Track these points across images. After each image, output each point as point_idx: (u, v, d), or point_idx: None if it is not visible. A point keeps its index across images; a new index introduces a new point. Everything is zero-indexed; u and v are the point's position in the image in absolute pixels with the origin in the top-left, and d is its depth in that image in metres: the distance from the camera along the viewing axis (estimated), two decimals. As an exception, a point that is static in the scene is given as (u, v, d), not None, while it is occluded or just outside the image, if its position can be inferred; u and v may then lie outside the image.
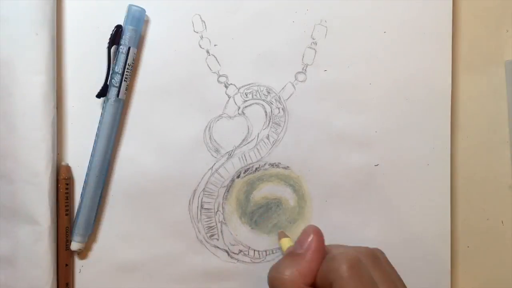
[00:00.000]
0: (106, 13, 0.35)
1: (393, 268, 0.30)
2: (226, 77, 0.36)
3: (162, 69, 0.35)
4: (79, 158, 0.35)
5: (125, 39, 0.34)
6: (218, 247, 0.36)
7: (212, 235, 0.36)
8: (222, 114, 0.36)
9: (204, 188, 0.36)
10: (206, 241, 0.36)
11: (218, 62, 0.36)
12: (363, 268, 0.27)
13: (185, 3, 0.35)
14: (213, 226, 0.36)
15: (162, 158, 0.36)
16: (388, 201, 0.37)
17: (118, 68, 0.34)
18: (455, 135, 0.38)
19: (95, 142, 0.34)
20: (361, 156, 0.37)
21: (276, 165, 0.36)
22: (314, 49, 0.36)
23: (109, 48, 0.34)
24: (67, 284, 0.35)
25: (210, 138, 0.36)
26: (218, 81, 0.36)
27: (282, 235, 0.35)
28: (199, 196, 0.36)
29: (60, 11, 0.35)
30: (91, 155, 0.35)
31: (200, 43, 0.36)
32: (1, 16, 0.33)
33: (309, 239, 0.30)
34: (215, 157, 0.36)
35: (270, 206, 0.36)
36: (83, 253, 0.35)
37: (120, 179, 0.36)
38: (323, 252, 0.29)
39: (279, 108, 0.36)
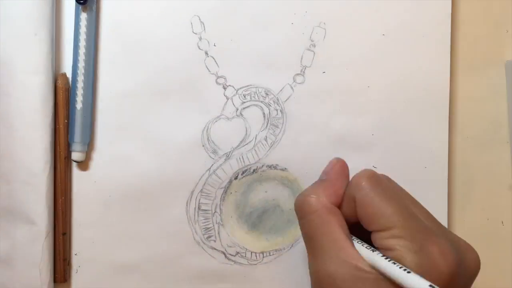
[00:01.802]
0: (104, 13, 0.35)
1: None
2: (225, 78, 0.36)
3: (161, 70, 0.35)
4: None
5: None
6: (215, 249, 0.36)
7: (209, 237, 0.36)
8: (220, 116, 0.36)
9: (201, 189, 0.36)
10: (203, 243, 0.36)
11: (216, 64, 0.36)
12: (381, 179, 0.28)
13: (184, 4, 0.35)
14: (210, 227, 0.36)
15: (160, 159, 0.36)
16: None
17: None
18: (455, 135, 0.38)
19: (76, 50, 0.34)
20: (359, 158, 0.37)
21: (274, 167, 0.36)
22: (313, 51, 0.36)
23: None
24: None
25: (208, 139, 0.36)
26: (217, 83, 0.36)
27: None
28: (196, 197, 0.36)
29: (59, 11, 0.35)
30: (74, 64, 0.34)
31: (199, 44, 0.36)
32: (0, 16, 0.33)
33: (333, 165, 0.30)
34: (213, 158, 0.36)
35: (268, 208, 0.36)
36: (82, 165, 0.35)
37: (118, 180, 0.36)
38: (346, 174, 0.30)
39: (277, 110, 0.36)
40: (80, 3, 0.34)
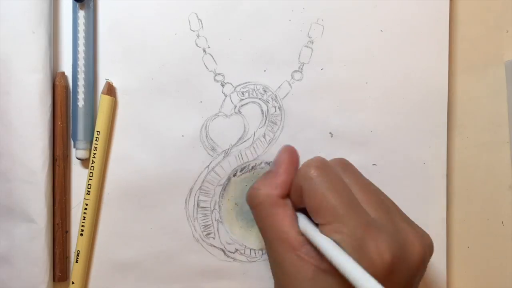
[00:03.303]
0: (101, 11, 0.35)
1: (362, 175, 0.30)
2: (223, 75, 0.36)
3: (159, 67, 0.36)
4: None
5: None
6: (214, 246, 0.36)
7: (208, 234, 0.36)
8: (218, 113, 0.36)
9: (200, 187, 0.36)
10: (202, 240, 0.36)
11: (214, 61, 0.36)
12: (331, 169, 0.28)
13: (182, 2, 0.35)
14: (210, 224, 0.36)
15: (159, 156, 0.36)
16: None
17: None
18: (455, 135, 0.38)
19: (76, 48, 0.34)
20: (357, 155, 0.37)
21: (272, 164, 0.36)
22: (311, 47, 0.36)
23: None
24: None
25: (206, 136, 0.36)
26: (215, 80, 0.36)
27: None
28: (195, 195, 0.36)
29: (57, 9, 0.35)
30: (74, 61, 0.34)
31: (197, 41, 0.36)
32: (-2, 15, 0.33)
33: (282, 154, 0.30)
34: (212, 156, 0.36)
35: (267, 205, 0.36)
36: (85, 162, 0.35)
37: (117, 178, 0.36)
38: (296, 165, 0.29)
39: (275, 107, 0.36)
40: (77, 1, 0.34)
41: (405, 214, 0.28)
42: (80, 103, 0.34)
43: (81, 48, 0.34)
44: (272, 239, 0.28)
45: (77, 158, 0.35)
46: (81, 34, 0.34)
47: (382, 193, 0.29)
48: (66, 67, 0.35)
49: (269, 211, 0.28)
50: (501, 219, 0.38)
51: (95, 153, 0.34)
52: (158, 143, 0.36)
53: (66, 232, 0.35)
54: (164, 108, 0.36)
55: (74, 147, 0.35)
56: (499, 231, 0.38)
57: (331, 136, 0.36)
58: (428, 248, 0.27)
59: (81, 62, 0.34)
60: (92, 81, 0.35)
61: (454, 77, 0.38)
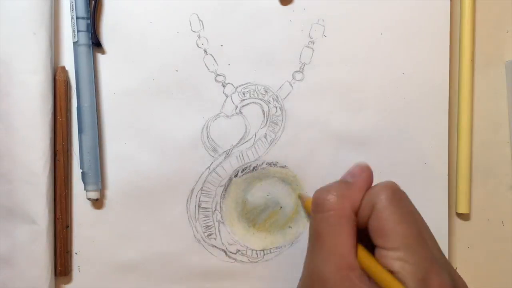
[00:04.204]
0: (102, 12, 0.35)
1: None
2: (224, 76, 0.36)
3: (160, 68, 0.36)
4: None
5: None
6: (215, 247, 0.36)
7: (210, 235, 0.36)
8: (219, 113, 0.36)
9: (201, 187, 0.36)
10: (204, 241, 0.36)
11: (215, 61, 0.36)
12: (403, 197, 0.27)
13: (183, 3, 0.35)
14: (211, 225, 0.36)
15: (160, 157, 0.36)
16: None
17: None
18: (455, 135, 0.38)
19: (78, 90, 0.34)
20: (358, 155, 0.37)
21: (273, 164, 0.36)
22: (312, 48, 0.36)
23: None
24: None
25: (207, 137, 0.36)
26: (216, 80, 0.36)
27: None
28: (196, 195, 0.36)
29: (58, 10, 0.35)
30: (77, 107, 0.35)
31: (198, 42, 0.36)
32: (-1, 16, 0.33)
33: (362, 171, 0.29)
34: (213, 156, 0.36)
35: (268, 205, 0.36)
36: (97, 202, 0.36)
37: (118, 179, 0.36)
38: (371, 184, 0.29)
39: (276, 107, 0.36)
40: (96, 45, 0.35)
41: None
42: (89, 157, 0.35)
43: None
44: (330, 250, 0.27)
45: (88, 199, 0.35)
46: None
47: None
48: (67, 67, 0.35)
49: (339, 221, 0.27)
50: (501, 219, 0.38)
51: None
52: (159, 144, 0.36)
53: (67, 227, 0.35)
54: (165, 108, 0.36)
55: (84, 189, 0.35)
56: (499, 231, 0.38)
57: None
58: None
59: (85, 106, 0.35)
60: (96, 121, 0.35)
61: (454, 77, 0.38)
